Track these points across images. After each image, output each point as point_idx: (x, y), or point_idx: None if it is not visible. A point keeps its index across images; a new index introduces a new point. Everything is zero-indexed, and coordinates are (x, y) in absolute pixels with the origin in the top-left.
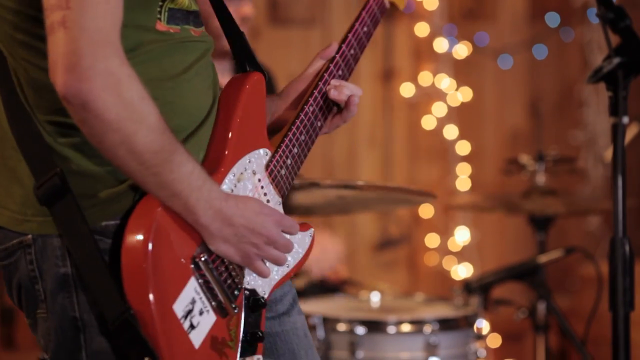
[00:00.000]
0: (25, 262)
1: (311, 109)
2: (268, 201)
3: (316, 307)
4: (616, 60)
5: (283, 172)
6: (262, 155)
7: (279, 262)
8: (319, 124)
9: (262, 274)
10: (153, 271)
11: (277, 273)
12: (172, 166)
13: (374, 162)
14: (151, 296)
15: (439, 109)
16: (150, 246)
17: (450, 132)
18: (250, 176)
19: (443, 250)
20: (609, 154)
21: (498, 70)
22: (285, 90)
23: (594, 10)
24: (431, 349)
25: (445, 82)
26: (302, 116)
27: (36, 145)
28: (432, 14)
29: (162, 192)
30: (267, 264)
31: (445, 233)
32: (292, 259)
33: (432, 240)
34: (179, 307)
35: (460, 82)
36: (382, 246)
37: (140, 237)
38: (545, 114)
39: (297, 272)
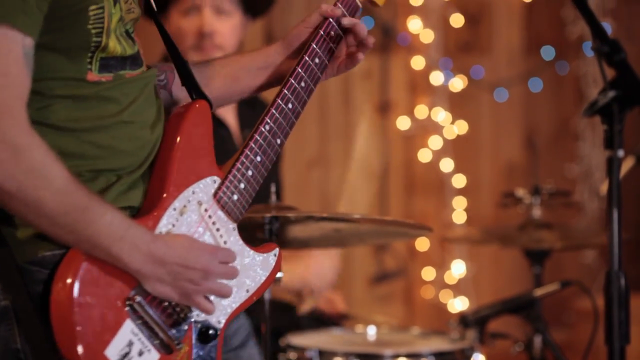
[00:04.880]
0: None
1: (267, 127)
2: (218, 229)
3: (312, 340)
4: (611, 94)
5: (235, 197)
6: (209, 183)
7: (223, 294)
8: (278, 141)
9: (206, 311)
10: (81, 321)
11: (234, 300)
12: (86, 223)
13: (370, 194)
14: (79, 348)
15: (435, 142)
16: (75, 299)
17: (446, 165)
18: (195, 207)
19: (439, 283)
20: (604, 187)
21: (494, 104)
22: (288, 38)
23: (589, 44)
24: None
25: (441, 115)
26: (257, 136)
27: None
28: (428, 47)
29: (83, 246)
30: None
31: (442, 266)
32: (252, 283)
33: (428, 273)
34: (113, 351)
35: (456, 115)
36: (378, 279)
37: (64, 290)
38: (541, 147)
39: (259, 296)
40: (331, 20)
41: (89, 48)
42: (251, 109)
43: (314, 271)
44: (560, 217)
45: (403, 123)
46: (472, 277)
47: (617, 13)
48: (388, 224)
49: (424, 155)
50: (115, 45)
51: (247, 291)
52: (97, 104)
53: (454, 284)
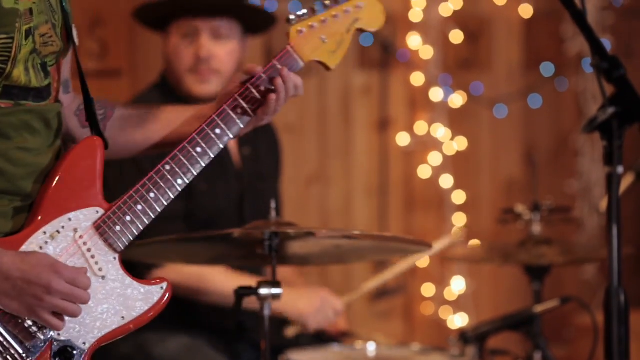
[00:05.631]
0: None
1: (167, 167)
2: (93, 256)
3: (312, 357)
4: (611, 110)
5: (117, 228)
6: (90, 213)
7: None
8: (179, 181)
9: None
10: None
11: (105, 324)
12: None
13: (369, 211)
14: None
15: (435, 158)
16: None
17: (446, 181)
18: (69, 234)
19: (439, 299)
20: (604, 203)
21: (493, 120)
22: (221, 93)
23: (588, 60)
24: None
25: (440, 131)
26: (153, 174)
27: None
28: (427, 64)
29: None
30: (104, 310)
31: (441, 282)
32: (129, 312)
33: (427, 289)
34: None
35: (456, 132)
36: (378, 296)
37: None
38: (541, 163)
39: (138, 326)
40: (262, 75)
41: None
42: None
43: (315, 308)
44: (559, 233)
45: (402, 139)
46: (471, 293)
47: (617, 29)
48: (388, 240)
49: (424, 172)
50: (20, 75)
51: (123, 318)
52: None
53: (453, 300)
